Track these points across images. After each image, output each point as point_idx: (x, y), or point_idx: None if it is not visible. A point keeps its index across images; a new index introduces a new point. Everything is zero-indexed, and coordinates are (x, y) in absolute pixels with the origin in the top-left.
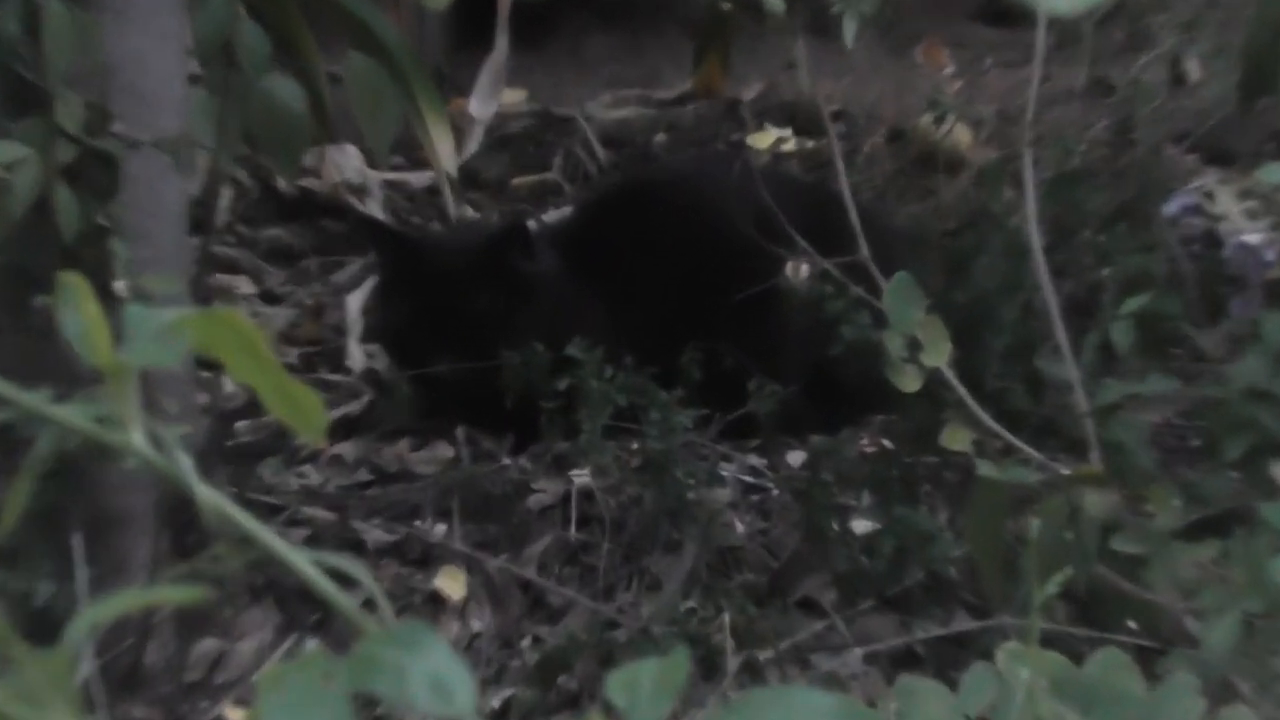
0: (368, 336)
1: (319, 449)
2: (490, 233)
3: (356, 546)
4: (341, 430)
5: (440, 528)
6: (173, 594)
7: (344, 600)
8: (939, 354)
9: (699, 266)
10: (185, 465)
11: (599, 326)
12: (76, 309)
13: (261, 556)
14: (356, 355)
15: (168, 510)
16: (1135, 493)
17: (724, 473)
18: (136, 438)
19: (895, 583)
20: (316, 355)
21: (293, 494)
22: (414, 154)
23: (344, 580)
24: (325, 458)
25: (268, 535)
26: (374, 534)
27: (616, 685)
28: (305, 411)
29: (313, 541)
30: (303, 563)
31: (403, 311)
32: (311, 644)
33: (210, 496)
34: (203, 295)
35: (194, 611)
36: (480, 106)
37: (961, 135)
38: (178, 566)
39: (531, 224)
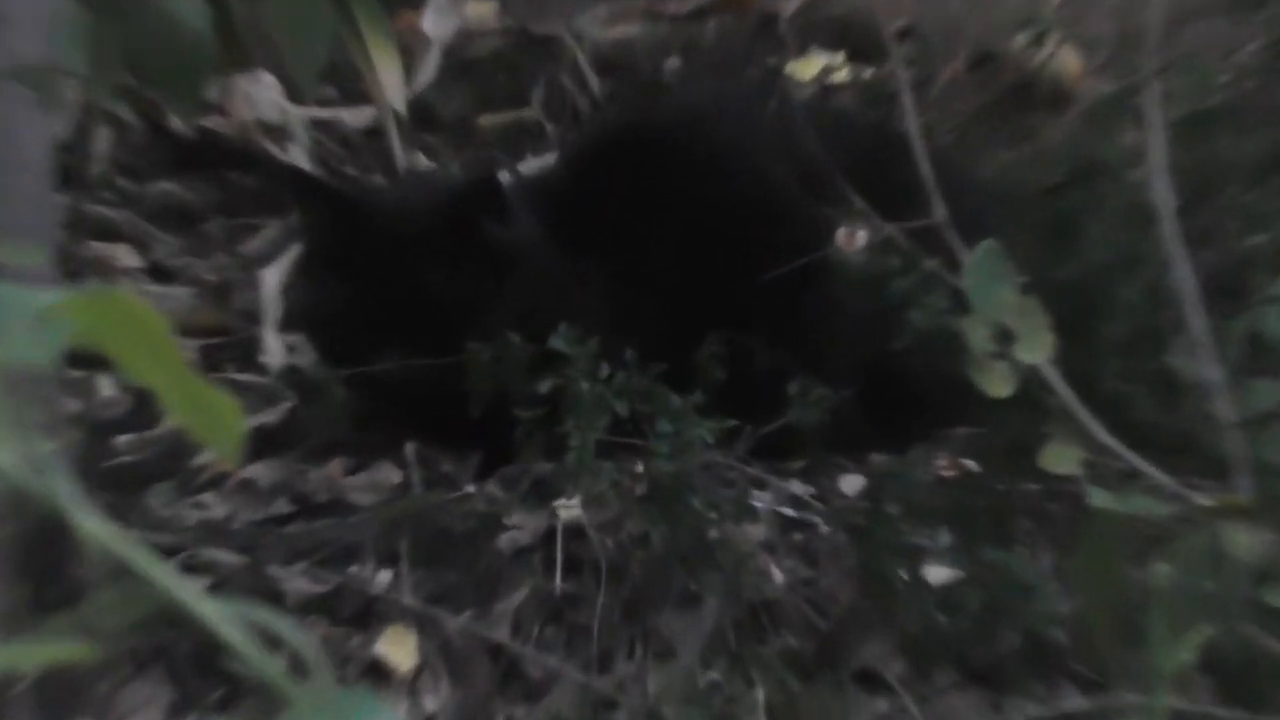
0: (289, 324)
1: (224, 472)
2: (449, 188)
3: (273, 599)
4: (254, 447)
5: (384, 576)
6: (39, 653)
7: (271, 665)
8: (1038, 347)
9: (722, 233)
10: (67, 490)
11: (592, 311)
12: None
13: (151, 615)
14: (274, 348)
15: (24, 552)
16: None
17: (757, 503)
18: (4, 455)
19: (983, 649)
20: (221, 348)
21: (189, 530)
22: (350, 85)
23: (266, 641)
24: (232, 483)
25: (177, 582)
26: (296, 583)
27: None
28: (220, 422)
29: (216, 592)
30: (222, 618)
31: (336, 291)
32: None
33: (100, 531)
34: (73, 269)
35: (62, 683)
36: (437, 23)
37: (1067, 61)
38: (43, 623)
39: (504, 177)
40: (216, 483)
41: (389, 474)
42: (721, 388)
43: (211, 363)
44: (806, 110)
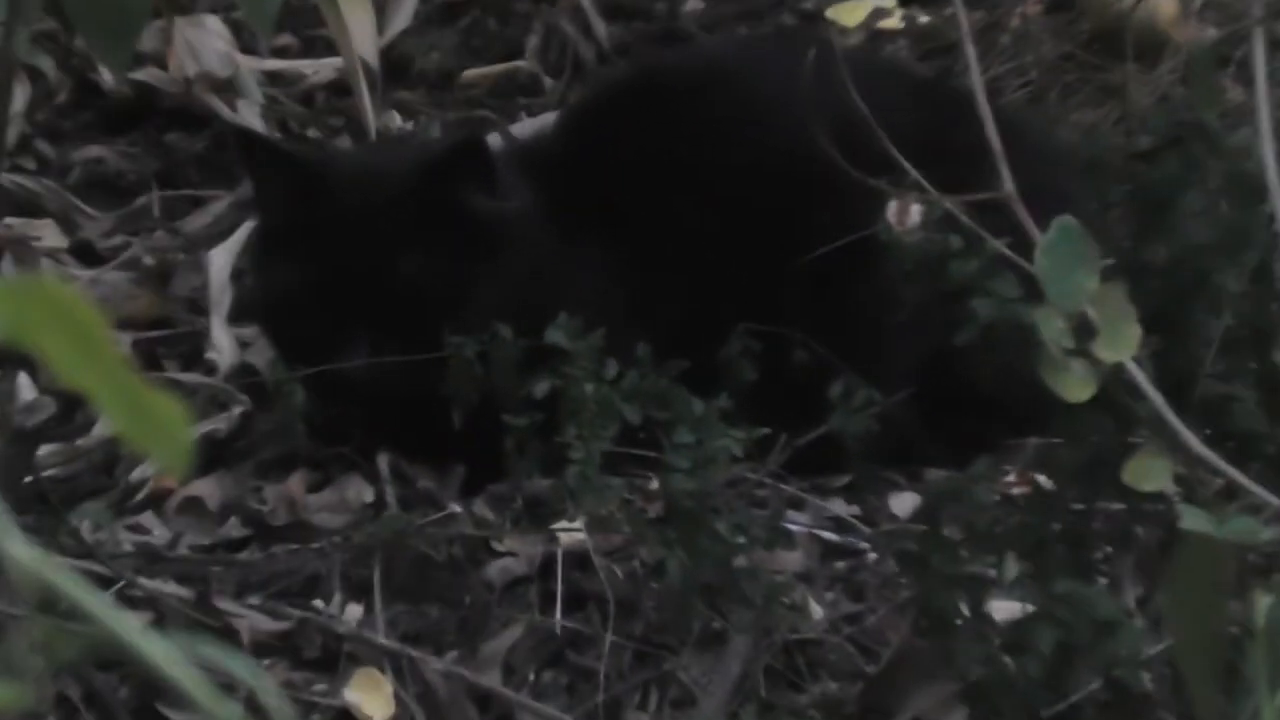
0: (241, 315)
1: (165, 489)
2: (429, 154)
3: (224, 637)
4: (200, 460)
5: (353, 611)
6: None
7: (226, 713)
8: (1123, 343)
9: (753, 207)
10: None
11: (597, 299)
12: None
13: (83, 655)
14: (224, 344)
15: None
16: None
17: (792, 526)
18: None
19: (1057, 696)
20: (160, 343)
21: (126, 557)
22: (311, 31)
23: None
24: (176, 502)
25: (114, 617)
26: (252, 619)
27: None
28: (164, 429)
29: (158, 629)
30: (166, 658)
31: (295, 276)
32: None
33: (23, 556)
34: None
35: None
36: None
37: (1161, 4)
38: None
39: (493, 140)
40: (157, 501)
41: (358, 491)
42: (751, 390)
43: (149, 360)
44: (851, 62)
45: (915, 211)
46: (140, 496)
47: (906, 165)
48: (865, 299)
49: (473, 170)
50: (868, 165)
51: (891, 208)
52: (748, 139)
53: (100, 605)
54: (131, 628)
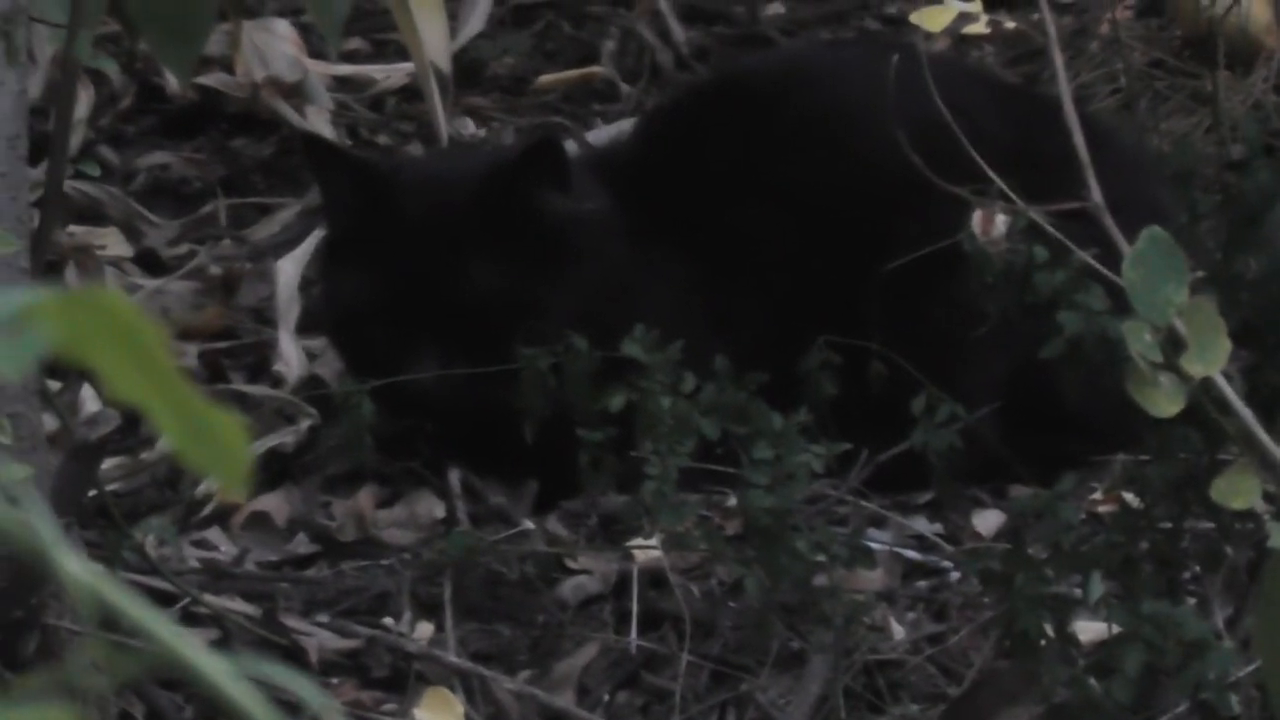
0: (309, 325)
1: (231, 504)
2: (502, 160)
3: (291, 656)
4: (267, 474)
5: (424, 629)
6: (17, 717)
7: None
8: (1212, 357)
9: (834, 215)
10: (45, 525)
11: (674, 310)
12: None
13: (144, 674)
14: (291, 355)
15: None
16: None
17: (873, 544)
18: None
19: (1144, 719)
20: (227, 355)
21: (190, 573)
22: (381, 35)
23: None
24: (242, 517)
25: (176, 636)
26: (319, 637)
27: None
28: (223, 445)
29: (223, 648)
30: (230, 678)
31: (364, 286)
32: None
33: (84, 573)
34: (48, 260)
35: None
36: None
37: (1255, 9)
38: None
39: (569, 147)
40: (223, 517)
41: (429, 507)
42: (832, 404)
43: (215, 372)
44: (936, 68)
45: (1000, 221)
46: (205, 512)
47: (991, 174)
48: (948, 311)
49: (548, 172)
50: (951, 174)
51: (976, 217)
52: (829, 146)
53: (160, 623)
54: (193, 646)
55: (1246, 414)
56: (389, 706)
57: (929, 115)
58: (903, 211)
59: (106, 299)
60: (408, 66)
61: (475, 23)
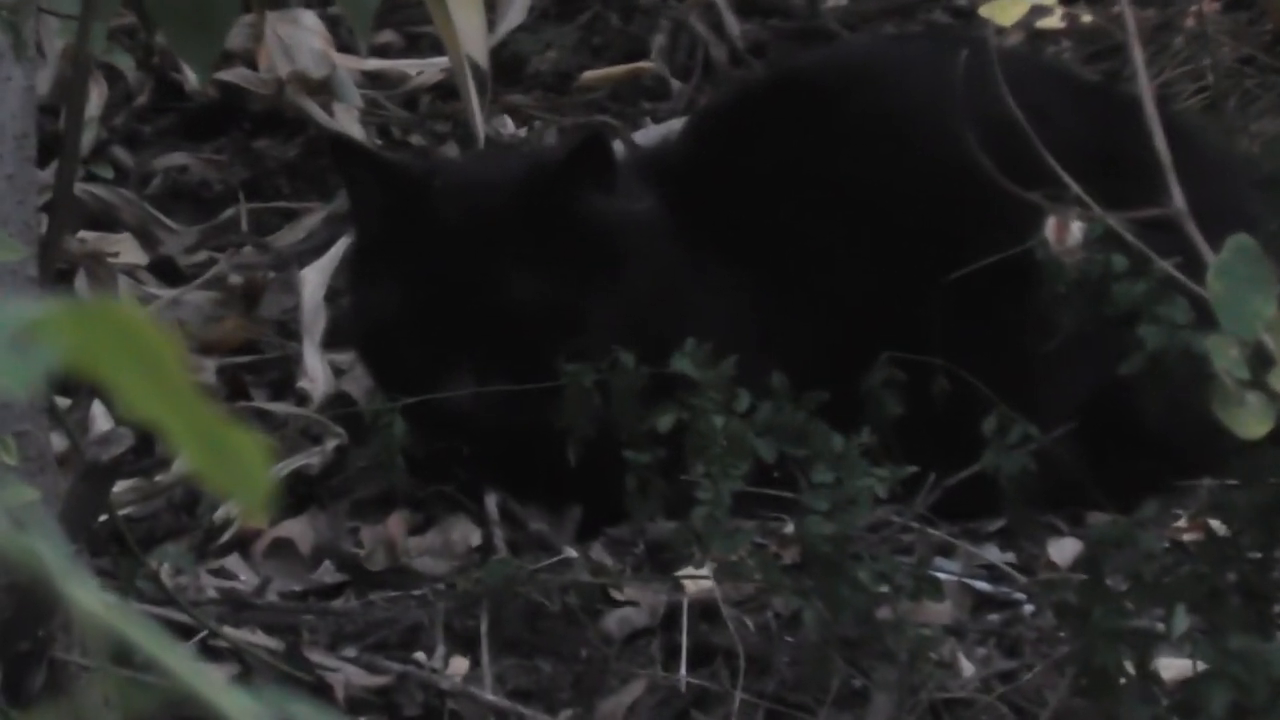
0: (336, 339)
1: (252, 530)
2: (544, 162)
3: (317, 693)
4: (291, 498)
5: (458, 664)
6: None
7: None
8: None
9: (899, 221)
10: (54, 551)
11: (728, 322)
12: None
13: (160, 711)
14: (317, 371)
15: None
16: None
17: (941, 574)
18: None
19: None
20: (248, 370)
21: (209, 604)
22: (415, 29)
23: None
24: (264, 544)
25: (194, 670)
26: (346, 673)
27: None
28: (244, 467)
29: (244, 684)
30: (252, 716)
31: (396, 298)
32: None
33: (96, 603)
34: (58, 268)
35: None
36: None
37: None
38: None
39: (616, 147)
40: (243, 544)
41: (464, 534)
42: (896, 425)
43: (235, 389)
44: (1008, 65)
45: (1076, 228)
46: (225, 538)
47: (1066, 178)
48: (1021, 324)
49: (593, 175)
50: (1024, 177)
51: (1050, 224)
52: (894, 148)
53: (177, 657)
54: (212, 682)
55: None
56: None
57: (1000, 115)
58: (972, 218)
59: (119, 310)
60: (443, 61)
61: (515, 15)
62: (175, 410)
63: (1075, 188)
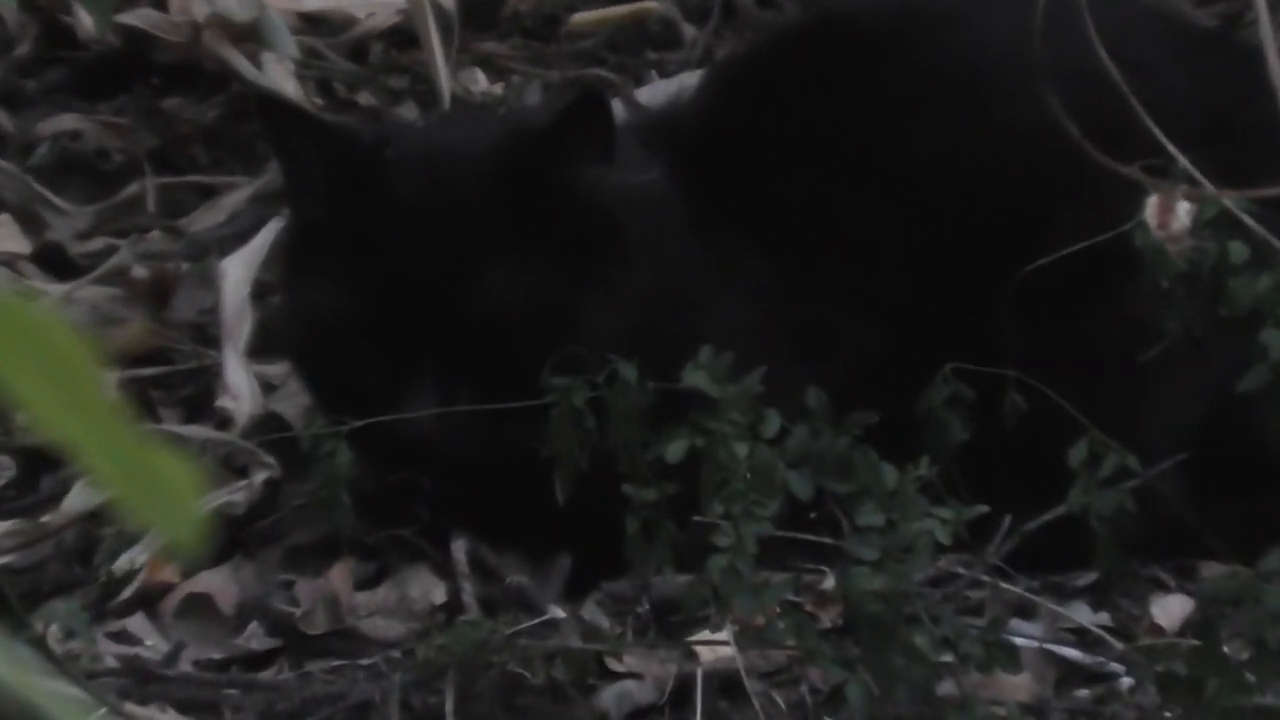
0: (266, 347)
1: (162, 583)
2: (526, 128)
3: None
4: (211, 544)
5: None
6: None
7: None
8: None
9: (961, 201)
10: None
11: (752, 326)
12: None
13: None
14: (241, 386)
15: None
16: None
17: (1018, 639)
18: None
19: None
20: (156, 384)
21: (108, 675)
22: None
23: None
24: (176, 601)
25: None
26: None
27: None
28: (170, 494)
29: None
30: None
31: (342, 296)
32: None
33: None
34: None
35: None
36: None
37: None
38: None
39: (615, 109)
40: (150, 600)
41: (425, 589)
42: (962, 453)
43: (140, 407)
44: (1100, 7)
45: (1183, 209)
46: (127, 593)
47: (1171, 147)
48: (1114, 327)
49: (587, 144)
50: (1119, 146)
51: (1151, 204)
52: (957, 110)
53: None
54: None
55: None
56: None
57: (1090, 69)
58: (1053, 196)
59: (21, 307)
60: (399, 2)
61: None
62: (91, 426)
63: (1182, 159)
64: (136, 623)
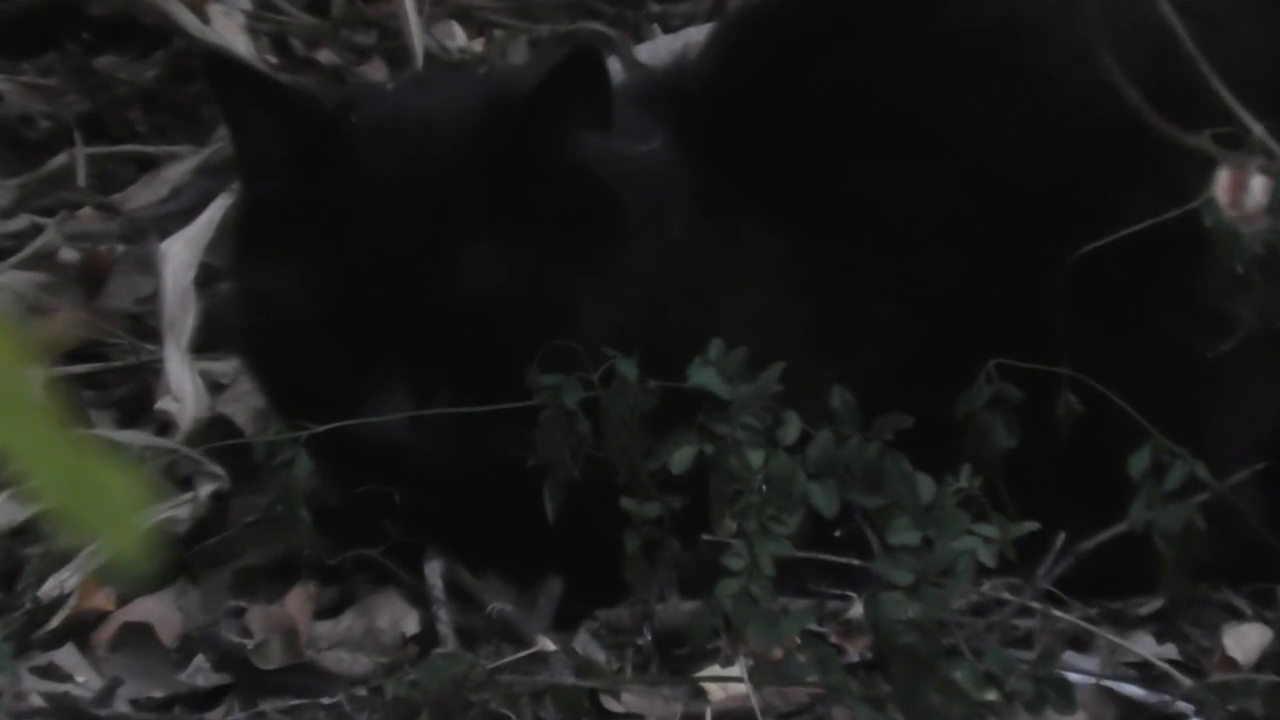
0: (214, 341)
1: (94, 610)
2: (510, 89)
3: None
4: (154, 564)
5: None
6: None
7: None
8: None
9: (1006, 175)
10: None
11: (768, 315)
12: None
13: None
14: (184, 386)
15: None
16: None
17: (1074, 675)
18: None
19: None
20: (88, 383)
21: (33, 716)
22: None
23: None
24: (111, 631)
25: None
26: None
27: None
28: (110, 505)
29: None
30: None
31: (299, 283)
32: None
33: None
34: None
35: None
36: None
37: None
38: None
39: (612, 68)
40: (81, 630)
41: (395, 617)
42: (1009, 462)
43: (70, 408)
44: None
45: (1257, 185)
46: (55, 622)
47: (1244, 114)
48: (1181, 320)
49: (580, 107)
50: (1185, 113)
51: (1221, 179)
52: (1001, 72)
53: None
54: None
55: None
56: None
57: (1151, 24)
58: (1110, 170)
59: None
60: None
61: None
62: (19, 430)
63: (1257, 127)
64: (66, 655)
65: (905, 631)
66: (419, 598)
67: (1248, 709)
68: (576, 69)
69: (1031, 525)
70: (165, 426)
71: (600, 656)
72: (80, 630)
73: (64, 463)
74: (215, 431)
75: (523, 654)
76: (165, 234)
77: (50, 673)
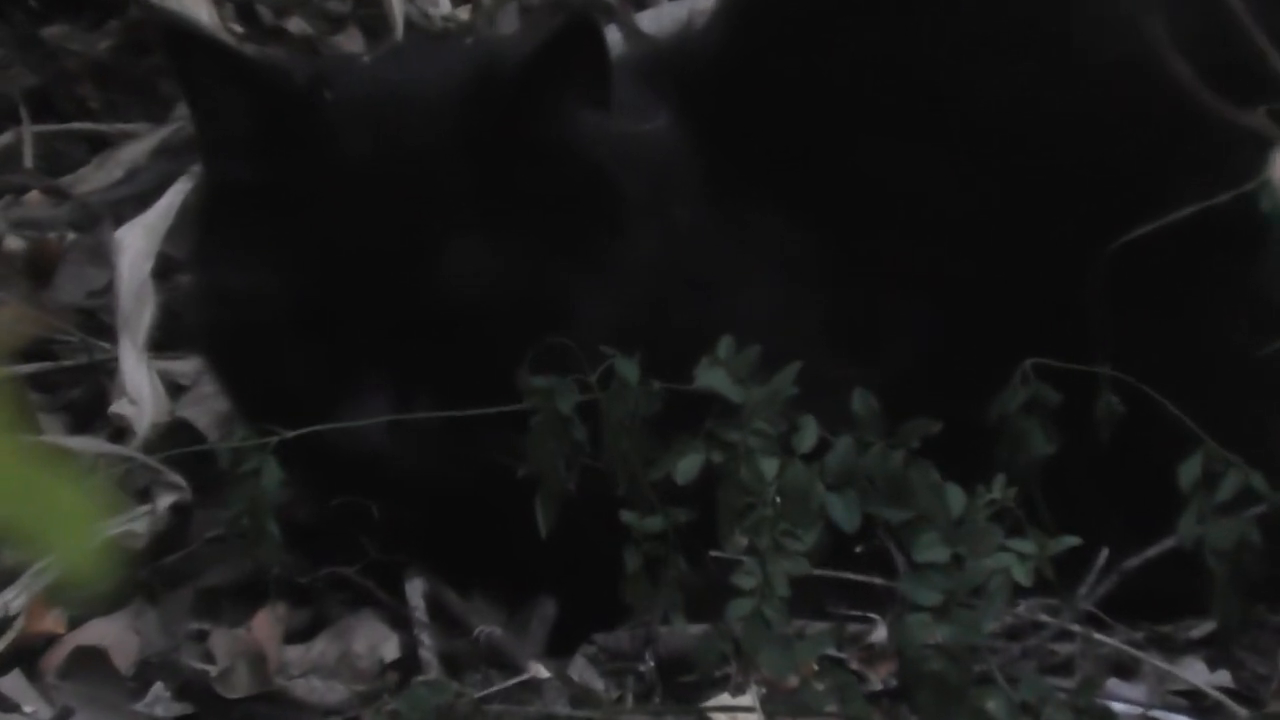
0: (174, 339)
1: (44, 633)
2: (500, 62)
3: None
4: (109, 583)
5: None
6: None
7: None
8: None
9: (1044, 156)
10: None
11: (781, 311)
12: None
13: None
14: (141, 387)
15: None
16: None
17: (1118, 704)
18: None
19: None
20: (36, 384)
21: None
22: None
23: None
24: (62, 656)
25: None
26: None
27: None
28: (60, 516)
29: None
30: None
31: (269, 276)
32: None
33: None
34: None
35: None
36: None
37: None
38: None
39: (610, 38)
40: (29, 655)
41: (373, 641)
42: (1047, 471)
43: (16, 411)
44: None
45: None
46: (1, 646)
47: None
48: (1234, 314)
49: (576, 82)
50: (1238, 90)
51: (1277, 160)
52: (1036, 44)
53: None
54: None
55: None
56: None
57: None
58: (1157, 151)
59: None
60: None
61: None
62: None
63: None
64: (12, 683)
65: (933, 657)
66: (399, 620)
67: None
68: (572, 39)
69: (1071, 541)
70: (120, 432)
71: (598, 684)
72: (28, 655)
73: (9, 472)
74: (175, 438)
75: (513, 682)
76: (120, 221)
77: (6, 705)
